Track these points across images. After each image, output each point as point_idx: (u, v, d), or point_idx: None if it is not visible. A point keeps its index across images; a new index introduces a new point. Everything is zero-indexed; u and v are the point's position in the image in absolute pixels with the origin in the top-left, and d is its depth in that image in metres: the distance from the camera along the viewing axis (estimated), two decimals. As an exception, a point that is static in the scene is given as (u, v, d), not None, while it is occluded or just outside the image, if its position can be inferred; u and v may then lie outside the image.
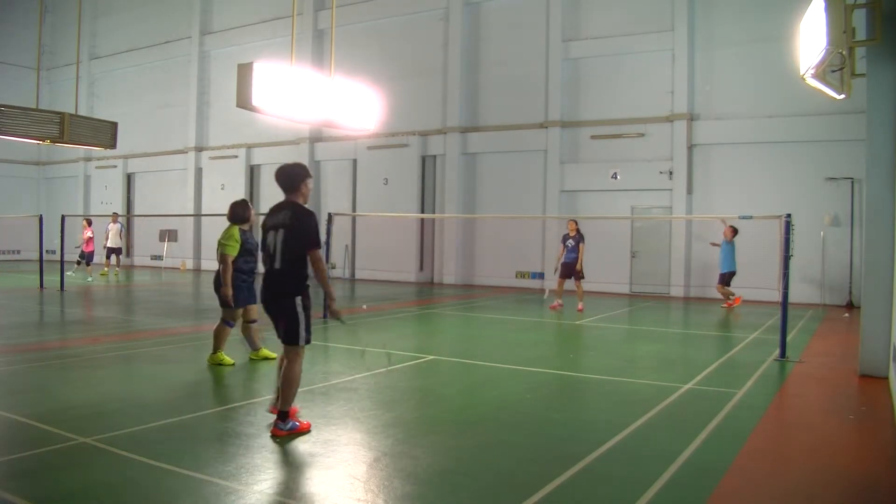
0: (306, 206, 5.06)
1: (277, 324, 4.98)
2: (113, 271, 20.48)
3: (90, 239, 19.54)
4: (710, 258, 16.82)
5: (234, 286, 7.16)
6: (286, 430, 4.88)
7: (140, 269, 25.90)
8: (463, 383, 7.14)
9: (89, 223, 19.68)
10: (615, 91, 18.24)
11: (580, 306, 13.13)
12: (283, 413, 4.92)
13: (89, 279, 18.70)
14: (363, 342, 8.74)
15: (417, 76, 20.99)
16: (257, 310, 6.79)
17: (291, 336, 4.90)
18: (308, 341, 4.96)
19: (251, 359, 7.66)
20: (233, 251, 7.10)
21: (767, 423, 5.53)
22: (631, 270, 17.95)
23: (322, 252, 4.95)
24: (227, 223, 7.37)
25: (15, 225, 26.90)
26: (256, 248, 7.21)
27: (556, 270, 13.51)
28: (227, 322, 7.38)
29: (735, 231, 13.98)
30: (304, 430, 4.95)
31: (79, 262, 19.02)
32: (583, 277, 13.32)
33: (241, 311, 7.44)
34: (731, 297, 14.11)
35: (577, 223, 13.40)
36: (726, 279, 14.09)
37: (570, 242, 13.23)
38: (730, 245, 13.99)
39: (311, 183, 5.12)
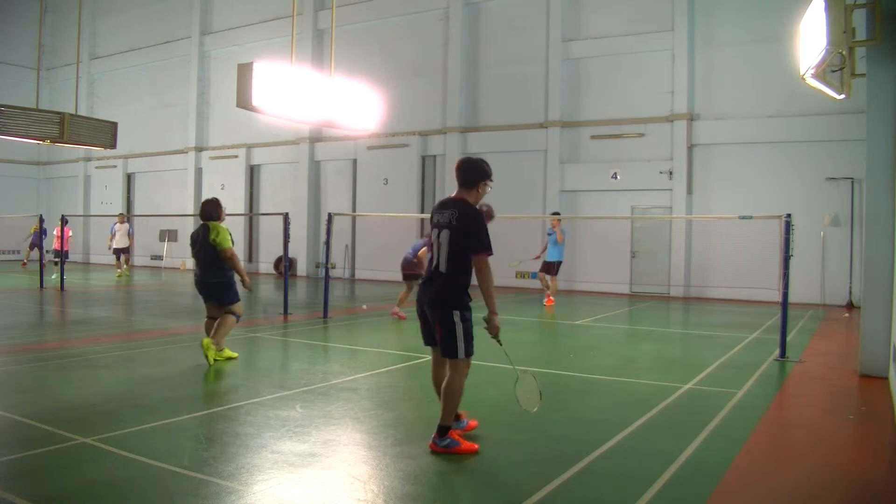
0: (477, 206, 4.62)
1: (435, 332, 4.59)
2: (119, 271, 20.70)
3: (65, 238, 19.57)
4: (710, 258, 16.86)
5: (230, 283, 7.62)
6: (441, 447, 4.47)
7: (140, 268, 25.91)
8: (463, 383, 7.13)
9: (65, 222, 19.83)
10: (615, 91, 18.23)
11: None
12: (441, 428, 4.51)
13: (53, 276, 18.60)
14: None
15: (417, 76, 20.99)
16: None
17: (449, 349, 4.48)
18: (468, 353, 4.50)
19: (216, 360, 7.42)
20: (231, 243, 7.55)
21: (767, 423, 5.53)
22: (631, 270, 17.94)
23: (489, 258, 4.44)
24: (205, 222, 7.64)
25: (15, 225, 26.84)
26: None
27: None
28: (237, 315, 7.75)
29: (558, 221, 14.22)
30: (462, 452, 4.46)
31: (56, 263, 18.89)
32: None
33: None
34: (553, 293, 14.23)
35: None
36: (555, 269, 14.23)
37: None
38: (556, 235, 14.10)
39: (489, 186, 4.63)
